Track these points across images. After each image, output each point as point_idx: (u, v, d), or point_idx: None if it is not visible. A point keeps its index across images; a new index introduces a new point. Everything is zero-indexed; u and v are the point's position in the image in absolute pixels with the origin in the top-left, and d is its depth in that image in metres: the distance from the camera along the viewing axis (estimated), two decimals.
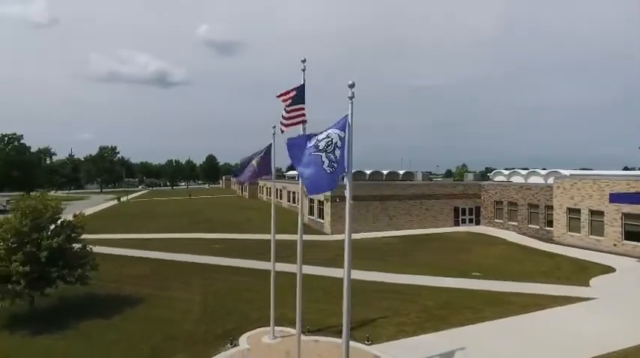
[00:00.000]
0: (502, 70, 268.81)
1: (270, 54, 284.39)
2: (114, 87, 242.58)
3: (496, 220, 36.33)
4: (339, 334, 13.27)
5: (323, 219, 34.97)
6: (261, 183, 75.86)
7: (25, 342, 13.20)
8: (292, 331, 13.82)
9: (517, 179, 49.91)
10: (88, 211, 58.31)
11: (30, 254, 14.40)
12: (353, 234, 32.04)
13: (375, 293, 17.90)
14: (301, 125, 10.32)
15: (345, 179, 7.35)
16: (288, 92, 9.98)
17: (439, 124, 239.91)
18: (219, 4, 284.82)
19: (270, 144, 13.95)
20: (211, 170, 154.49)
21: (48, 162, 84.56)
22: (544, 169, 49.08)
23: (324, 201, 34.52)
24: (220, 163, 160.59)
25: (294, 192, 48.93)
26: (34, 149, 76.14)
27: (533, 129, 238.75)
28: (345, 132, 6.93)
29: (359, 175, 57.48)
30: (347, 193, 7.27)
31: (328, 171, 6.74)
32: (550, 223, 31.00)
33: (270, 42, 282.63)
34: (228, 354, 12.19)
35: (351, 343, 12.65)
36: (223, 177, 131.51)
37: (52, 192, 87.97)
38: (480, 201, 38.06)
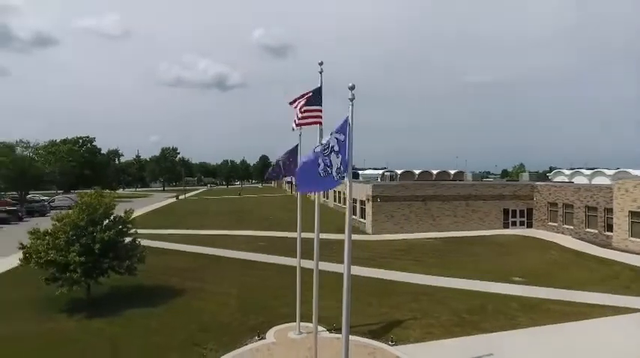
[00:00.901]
0: (579, 62, 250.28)
1: (321, 55, 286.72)
2: (178, 91, 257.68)
3: (550, 223, 34.15)
4: (363, 333, 13.49)
5: (365, 219, 34.94)
6: None
7: (79, 324, 14.72)
8: (319, 328, 14.17)
9: (580, 179, 46.52)
10: (150, 208, 62.93)
11: (85, 245, 15.97)
12: (394, 235, 32.06)
13: (407, 294, 17.75)
14: (318, 126, 10.57)
15: (346, 179, 7.50)
16: (303, 95, 10.30)
17: (501, 122, 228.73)
18: (272, 8, 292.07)
19: (297, 144, 14.41)
20: (264, 169, 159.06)
21: (117, 162, 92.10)
22: (614, 169, 45.34)
23: (366, 201, 34.49)
24: (273, 163, 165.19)
25: (340, 192, 49.25)
26: (104, 151, 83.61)
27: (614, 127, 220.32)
28: (344, 134, 7.11)
29: (407, 175, 56.68)
30: (347, 193, 7.44)
31: (321, 175, 6.94)
32: (610, 227, 28.64)
33: (321, 43, 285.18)
34: (254, 346, 12.78)
35: (375, 343, 12.84)
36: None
37: (120, 190, 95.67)
38: (532, 202, 35.98)
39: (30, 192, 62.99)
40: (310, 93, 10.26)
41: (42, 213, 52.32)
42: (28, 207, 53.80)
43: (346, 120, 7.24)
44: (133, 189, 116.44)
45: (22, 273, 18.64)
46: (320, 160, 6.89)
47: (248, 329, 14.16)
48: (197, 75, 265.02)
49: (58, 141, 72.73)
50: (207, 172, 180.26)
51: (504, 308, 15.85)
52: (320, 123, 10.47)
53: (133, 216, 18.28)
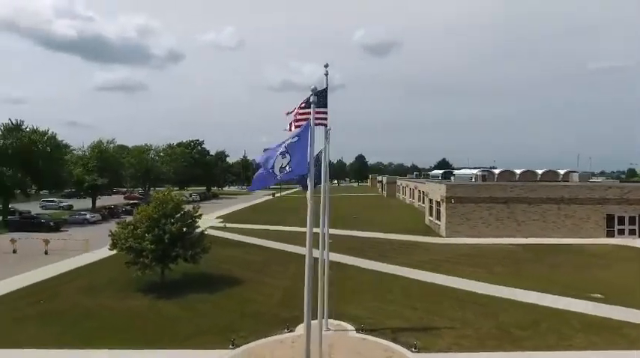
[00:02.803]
0: None
1: (422, 53, 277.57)
2: (285, 95, 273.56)
3: None
4: (390, 336, 13.27)
5: (439, 221, 33.35)
6: (399, 182, 75.63)
7: (149, 303, 17.12)
8: (348, 327, 14.37)
9: None
10: (246, 204, 68.42)
11: (157, 235, 18.46)
12: (470, 239, 30.18)
13: (455, 301, 16.81)
14: (323, 127, 10.77)
15: (308, 178, 7.71)
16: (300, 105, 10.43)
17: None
18: (373, 8, 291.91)
19: (325, 145, 14.73)
20: (360, 169, 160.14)
21: (224, 162, 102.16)
22: None
23: (440, 202, 32.88)
24: (371, 162, 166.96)
25: (423, 192, 47.63)
26: (212, 152, 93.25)
27: None
28: (299, 137, 7.37)
29: (506, 175, 52.04)
30: (308, 194, 7.67)
31: (266, 173, 7.28)
32: None
33: (421, 40, 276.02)
34: (280, 338, 13.50)
35: (395, 347, 12.62)
36: (370, 176, 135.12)
37: (226, 188, 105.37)
38: None
39: (152, 188, 73.43)
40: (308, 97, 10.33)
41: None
42: (148, 200, 62.86)
43: (307, 124, 7.48)
44: (240, 187, 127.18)
45: (117, 258, 22.18)
46: (271, 161, 7.29)
47: (283, 320, 14.91)
48: (302, 78, 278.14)
49: (174, 144, 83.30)
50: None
51: (561, 327, 14.07)
52: (325, 124, 10.64)
53: (199, 212, 20.51)
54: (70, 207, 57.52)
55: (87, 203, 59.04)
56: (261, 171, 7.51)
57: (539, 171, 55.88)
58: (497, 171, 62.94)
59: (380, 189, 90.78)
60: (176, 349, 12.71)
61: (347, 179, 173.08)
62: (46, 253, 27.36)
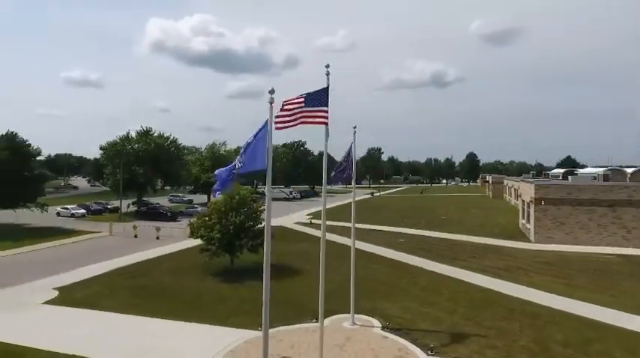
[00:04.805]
0: None
1: (549, 38, 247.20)
2: (396, 93, 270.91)
3: None
4: (411, 336, 13.12)
5: (530, 224, 30.07)
6: (505, 181, 69.45)
7: (213, 285, 19.48)
8: (375, 323, 14.51)
9: None
10: (342, 202, 70.23)
11: (225, 226, 20.85)
12: (563, 246, 27.72)
13: (504, 310, 15.60)
14: (324, 127, 11.13)
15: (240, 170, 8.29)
16: (298, 97, 10.65)
17: None
18: None
19: (351, 143, 15.09)
20: (471, 168, 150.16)
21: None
22: None
23: (530, 204, 29.62)
24: (488, 160, 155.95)
25: (515, 189, 43.26)
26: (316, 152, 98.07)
27: None
28: (254, 137, 8.06)
29: (616, 174, 44.25)
30: (266, 193, 8.37)
31: (234, 169, 8.09)
32: None
33: (548, 25, 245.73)
34: (305, 326, 14.34)
35: (412, 347, 12.60)
36: (480, 176, 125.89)
37: (330, 186, 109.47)
38: None
39: (258, 186, 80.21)
40: (305, 95, 10.59)
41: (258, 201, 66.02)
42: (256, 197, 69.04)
43: (265, 124, 8.18)
44: (343, 186, 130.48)
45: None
46: (236, 160, 8.18)
47: (316, 311, 15.68)
48: (414, 76, 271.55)
49: (279, 145, 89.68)
50: (415, 170, 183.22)
51: (619, 350, 12.08)
52: (326, 123, 10.94)
53: (262, 207, 22.43)
54: (190, 201, 66.36)
55: (205, 198, 67.43)
56: (223, 172, 8.33)
57: None
58: (630, 171, 53.83)
59: (486, 190, 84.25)
60: (212, 325, 14.47)
61: (456, 179, 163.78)
62: (157, 238, 32.58)
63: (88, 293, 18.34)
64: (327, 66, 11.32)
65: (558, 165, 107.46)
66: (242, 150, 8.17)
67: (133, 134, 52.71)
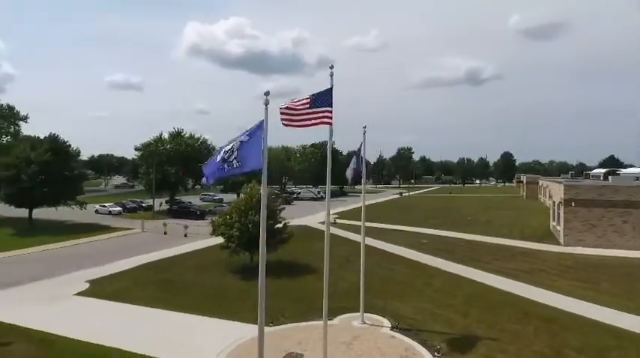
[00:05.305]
0: None
1: (596, 34, 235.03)
2: (430, 91, 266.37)
3: None
4: (421, 338, 13.07)
5: (559, 226, 28.91)
6: (540, 182, 66.89)
7: (233, 281, 20.10)
8: (385, 323, 14.57)
9: None
10: (369, 202, 69.91)
11: (244, 224, 21.45)
12: (596, 250, 26.99)
13: (521, 313, 15.24)
14: (328, 127, 11.29)
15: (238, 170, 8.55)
16: (302, 99, 10.87)
17: None
18: None
19: (361, 143, 15.20)
20: (506, 168, 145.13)
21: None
22: None
23: (559, 205, 28.45)
24: (522, 161, 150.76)
25: (547, 189, 41.62)
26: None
27: None
28: (250, 137, 8.35)
29: None
30: (262, 192, 8.65)
31: (217, 167, 8.40)
32: None
33: (593, 19, 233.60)
34: (315, 323, 14.54)
35: (419, 348, 12.73)
36: (515, 176, 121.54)
37: (356, 186, 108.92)
38: None
39: (285, 186, 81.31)
40: (311, 96, 10.80)
41: (288, 201, 66.93)
42: (285, 196, 70.03)
43: (260, 124, 8.47)
44: (375, 186, 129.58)
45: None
46: (218, 156, 8.48)
47: (330, 310, 15.88)
48: (447, 74, 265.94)
49: (307, 145, 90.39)
50: (447, 170, 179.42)
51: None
52: (330, 123, 11.09)
53: (280, 207, 22.92)
54: (220, 200, 68.18)
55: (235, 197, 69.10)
56: (211, 163, 8.64)
57: None
58: None
59: (520, 191, 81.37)
60: (228, 319, 14.99)
61: (490, 179, 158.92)
62: (185, 236, 33.81)
63: (116, 286, 19.41)
64: (332, 66, 11.52)
65: (600, 165, 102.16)
66: (235, 149, 8.41)
67: (165, 135, 54.80)
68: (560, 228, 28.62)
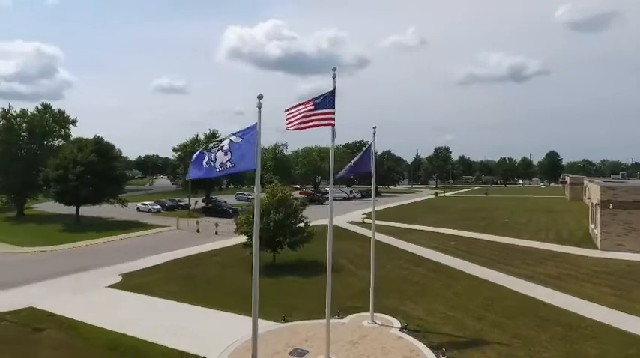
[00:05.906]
0: None
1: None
2: (469, 89, 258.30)
3: None
4: (429, 340, 13.00)
5: (597, 228, 27.33)
6: (585, 182, 63.22)
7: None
8: (395, 323, 14.57)
9: None
10: (405, 202, 69.12)
11: (265, 223, 22.02)
12: (635, 255, 25.53)
13: (538, 319, 14.76)
14: (330, 128, 11.47)
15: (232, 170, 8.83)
16: (305, 102, 11.14)
17: None
18: None
19: (370, 143, 15.28)
20: (551, 167, 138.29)
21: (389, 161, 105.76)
22: None
23: (597, 207, 26.88)
24: (570, 160, 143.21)
25: (588, 189, 39.33)
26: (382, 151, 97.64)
27: None
28: (242, 139, 8.67)
29: None
30: (255, 191, 8.99)
31: (204, 166, 8.75)
32: None
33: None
34: (324, 321, 14.76)
35: (425, 350, 12.80)
36: (560, 176, 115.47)
37: (392, 186, 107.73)
38: None
39: (318, 185, 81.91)
40: (314, 99, 11.04)
41: (320, 201, 67.47)
42: (312, 196, 70.70)
43: (254, 126, 8.80)
44: (410, 186, 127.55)
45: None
46: (205, 155, 8.85)
47: (344, 309, 16.11)
48: (489, 70, 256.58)
49: (341, 145, 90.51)
50: (489, 170, 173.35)
51: None
52: (333, 124, 11.30)
53: (300, 207, 23.33)
54: (252, 199, 69.95)
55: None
56: (202, 162, 8.96)
57: None
58: None
59: (564, 191, 77.25)
60: (243, 314, 15.52)
61: (534, 179, 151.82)
62: (216, 233, 35.08)
63: (145, 280, 20.58)
64: (334, 69, 11.69)
65: None
66: (226, 150, 8.75)
67: (201, 136, 56.94)
68: (597, 232, 27.06)
